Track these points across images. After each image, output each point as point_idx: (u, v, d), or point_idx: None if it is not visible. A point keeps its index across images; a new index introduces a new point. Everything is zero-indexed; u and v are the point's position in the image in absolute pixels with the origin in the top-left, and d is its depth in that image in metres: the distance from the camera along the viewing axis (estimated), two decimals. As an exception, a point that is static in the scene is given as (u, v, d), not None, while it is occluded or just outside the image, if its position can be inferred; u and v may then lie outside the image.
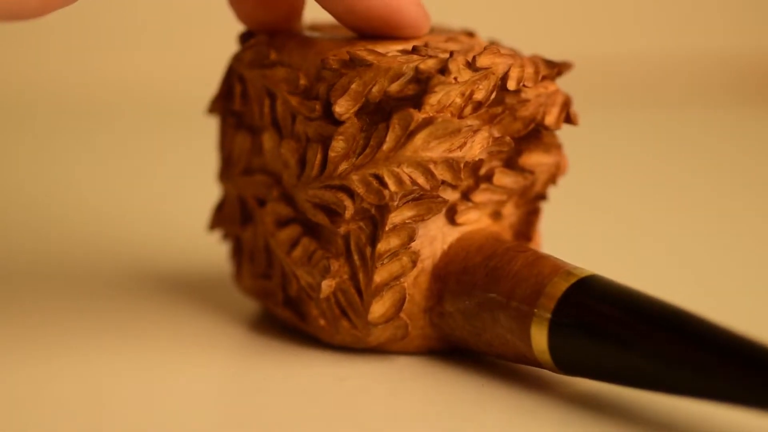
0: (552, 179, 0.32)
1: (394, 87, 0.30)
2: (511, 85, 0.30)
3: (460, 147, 0.30)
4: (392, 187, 0.29)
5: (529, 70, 0.30)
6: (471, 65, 0.30)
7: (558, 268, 0.29)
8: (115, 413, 0.28)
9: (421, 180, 0.30)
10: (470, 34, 0.33)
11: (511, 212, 0.32)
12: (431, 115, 0.29)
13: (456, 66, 0.29)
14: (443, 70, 0.29)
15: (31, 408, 0.29)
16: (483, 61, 0.30)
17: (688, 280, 0.39)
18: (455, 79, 0.29)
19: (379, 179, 0.30)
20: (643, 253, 0.43)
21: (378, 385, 0.30)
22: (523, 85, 0.30)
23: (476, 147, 0.30)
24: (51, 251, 0.41)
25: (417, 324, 0.31)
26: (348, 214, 0.30)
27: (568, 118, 0.31)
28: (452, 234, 0.31)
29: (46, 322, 0.34)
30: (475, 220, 0.31)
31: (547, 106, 0.31)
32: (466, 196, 0.31)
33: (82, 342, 0.33)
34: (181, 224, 0.44)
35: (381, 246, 0.30)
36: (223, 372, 0.31)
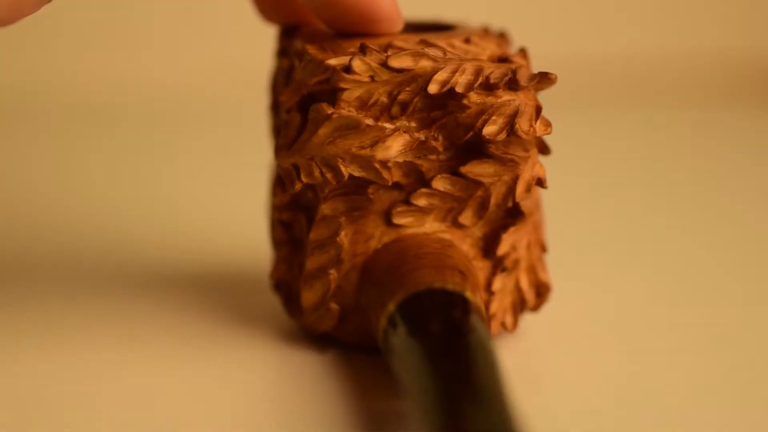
0: (511, 193, 0.30)
1: (312, 81, 0.30)
2: (432, 88, 0.29)
3: (371, 145, 0.30)
4: (303, 177, 0.30)
5: (468, 77, 0.30)
6: (385, 65, 0.30)
7: (435, 279, 0.29)
8: (119, 409, 0.29)
9: (329, 174, 0.30)
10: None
11: (473, 222, 0.31)
12: (333, 111, 0.30)
13: (362, 65, 0.29)
14: (347, 68, 0.29)
15: (37, 406, 0.29)
16: (397, 62, 0.30)
17: (685, 280, 0.39)
18: (372, 77, 0.29)
19: (296, 169, 0.30)
20: (643, 252, 0.43)
21: (376, 385, 0.30)
22: (455, 91, 0.29)
23: (394, 147, 0.30)
24: (51, 251, 0.41)
25: (353, 318, 0.31)
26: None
27: (513, 131, 0.30)
28: (389, 234, 0.31)
29: (45, 319, 0.34)
30: (417, 224, 0.31)
31: (490, 116, 0.30)
32: (407, 198, 0.31)
33: (82, 342, 0.33)
34: (182, 224, 0.44)
35: (312, 234, 0.31)
36: (223, 372, 0.31)
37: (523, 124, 0.29)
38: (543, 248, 0.33)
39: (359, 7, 0.30)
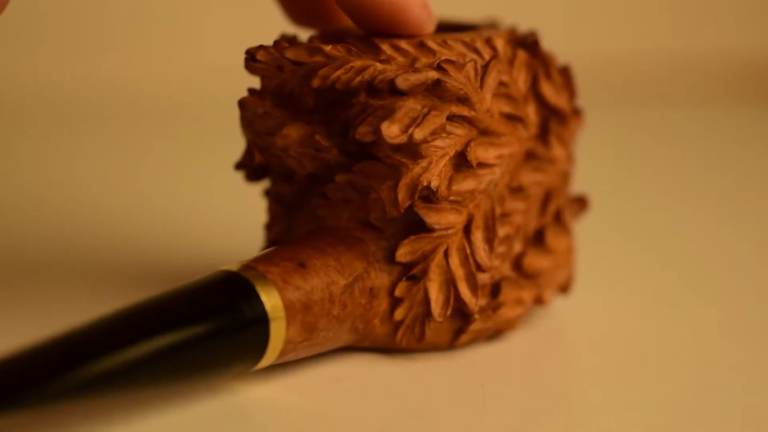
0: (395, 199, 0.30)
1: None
2: (315, 82, 0.30)
3: (272, 133, 0.31)
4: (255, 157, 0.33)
5: (350, 75, 0.30)
6: (284, 56, 0.31)
7: (251, 262, 0.29)
8: (119, 408, 0.28)
9: (256, 158, 0.33)
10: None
11: (382, 224, 0.31)
12: (243, 98, 0.32)
13: (265, 54, 0.31)
14: (253, 56, 0.31)
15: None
16: (293, 55, 0.31)
17: (687, 279, 0.39)
18: (280, 68, 0.31)
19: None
20: (642, 251, 0.43)
21: (375, 386, 0.30)
22: (346, 89, 0.30)
23: (292, 137, 0.31)
24: (51, 251, 0.41)
25: None
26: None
27: (380, 135, 0.30)
28: (311, 225, 0.32)
29: (44, 318, 0.34)
30: (333, 217, 0.31)
31: (365, 117, 0.30)
32: (324, 191, 0.31)
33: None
34: (182, 224, 0.44)
35: (268, 211, 0.34)
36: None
37: (391, 129, 0.29)
38: (484, 268, 0.31)
39: (390, 10, 0.30)
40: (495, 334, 0.33)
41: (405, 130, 0.29)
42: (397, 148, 0.30)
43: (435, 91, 0.30)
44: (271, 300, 0.28)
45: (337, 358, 0.32)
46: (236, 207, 0.45)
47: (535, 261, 0.33)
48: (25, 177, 0.54)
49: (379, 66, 0.30)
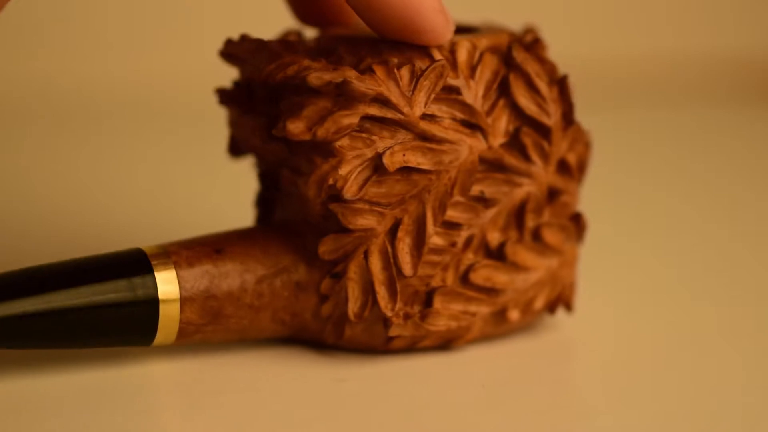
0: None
1: None
2: (255, 76, 0.32)
3: (234, 123, 0.34)
4: None
5: (270, 68, 0.31)
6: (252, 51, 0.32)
7: (164, 244, 0.31)
8: (119, 407, 0.28)
9: None
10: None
11: (316, 221, 0.32)
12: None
13: (237, 46, 0.32)
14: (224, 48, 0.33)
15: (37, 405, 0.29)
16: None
17: (687, 279, 0.39)
18: (243, 61, 0.33)
19: None
20: (643, 252, 0.43)
21: (377, 386, 0.30)
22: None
23: (246, 128, 0.33)
24: (51, 251, 0.41)
25: None
26: None
27: (283, 131, 0.30)
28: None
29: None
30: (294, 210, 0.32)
31: (281, 113, 0.31)
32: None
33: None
34: (183, 223, 0.44)
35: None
36: (220, 370, 0.31)
37: (295, 125, 0.30)
38: (405, 274, 0.31)
39: (402, 13, 0.29)
40: (446, 343, 0.32)
41: (310, 128, 0.30)
42: (314, 145, 0.30)
43: (345, 91, 0.30)
44: (166, 281, 0.30)
45: (339, 359, 0.32)
46: (237, 206, 0.45)
47: (491, 275, 0.31)
48: (27, 177, 0.54)
49: (305, 63, 0.30)
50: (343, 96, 0.30)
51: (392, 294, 0.31)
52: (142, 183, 0.53)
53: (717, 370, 0.31)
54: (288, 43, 0.32)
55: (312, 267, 0.31)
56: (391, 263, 0.31)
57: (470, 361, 0.32)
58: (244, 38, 0.32)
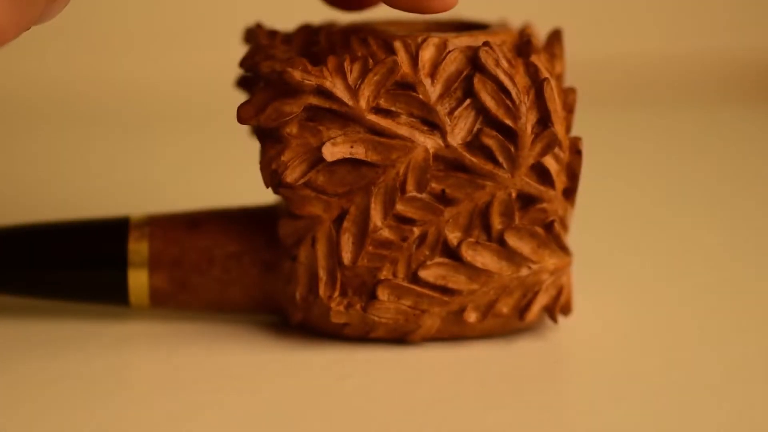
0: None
1: None
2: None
3: None
4: None
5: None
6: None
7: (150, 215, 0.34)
8: (120, 406, 0.29)
9: None
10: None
11: None
12: None
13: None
14: None
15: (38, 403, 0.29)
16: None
17: (687, 280, 0.39)
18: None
19: None
20: (641, 252, 0.43)
21: (379, 384, 0.30)
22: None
23: None
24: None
25: None
26: None
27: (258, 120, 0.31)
28: None
29: (42, 315, 0.34)
30: None
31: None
32: None
33: (78, 335, 0.33)
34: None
35: None
36: (219, 370, 0.31)
37: (244, 110, 0.31)
38: (345, 264, 0.31)
39: None
40: (400, 336, 0.32)
41: (257, 114, 0.31)
42: (268, 133, 0.31)
43: (285, 81, 0.30)
44: (137, 247, 0.33)
45: (341, 356, 0.32)
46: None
47: (445, 274, 0.31)
48: (28, 177, 0.54)
49: (277, 54, 0.32)
50: (287, 86, 0.31)
51: (332, 281, 0.31)
52: (146, 183, 0.53)
53: (717, 370, 0.32)
54: (287, 36, 0.33)
55: (279, 249, 0.32)
56: (334, 252, 0.31)
57: (473, 360, 0.32)
58: (258, 27, 0.33)
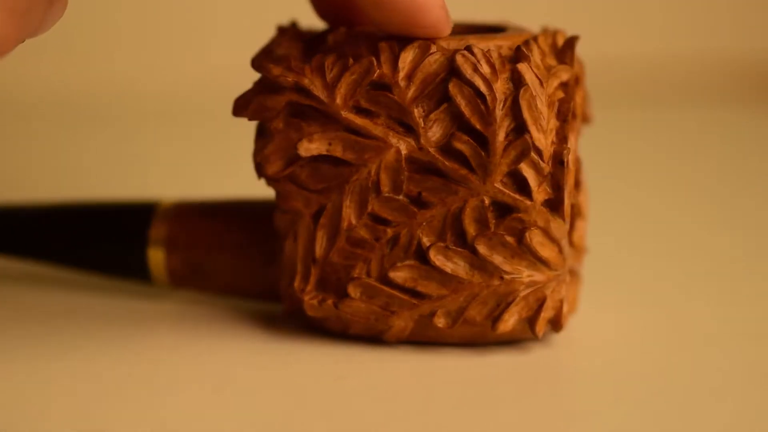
0: None
1: None
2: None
3: None
4: None
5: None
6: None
7: (172, 202, 0.36)
8: (119, 405, 0.29)
9: None
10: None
11: None
12: None
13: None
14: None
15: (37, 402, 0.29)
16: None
17: (687, 280, 0.39)
18: None
19: None
20: (642, 253, 0.43)
21: (377, 385, 0.30)
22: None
23: None
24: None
25: None
26: None
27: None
28: None
29: (43, 313, 0.34)
30: None
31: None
32: None
33: (80, 333, 0.33)
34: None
35: None
36: (220, 369, 0.31)
37: (236, 105, 0.32)
38: (315, 259, 0.32)
39: (407, 12, 0.30)
40: (375, 335, 0.32)
41: (246, 107, 0.32)
42: (261, 126, 0.32)
43: (267, 78, 0.32)
44: (159, 230, 0.35)
45: (340, 357, 0.32)
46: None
47: (414, 276, 0.31)
48: (29, 177, 0.54)
49: (277, 51, 0.32)
50: (270, 83, 0.32)
51: (306, 276, 0.32)
52: (148, 183, 0.53)
53: (717, 371, 0.32)
54: (298, 34, 0.33)
55: (277, 240, 0.33)
56: (310, 247, 0.32)
57: (473, 360, 0.32)
58: (288, 28, 0.34)
